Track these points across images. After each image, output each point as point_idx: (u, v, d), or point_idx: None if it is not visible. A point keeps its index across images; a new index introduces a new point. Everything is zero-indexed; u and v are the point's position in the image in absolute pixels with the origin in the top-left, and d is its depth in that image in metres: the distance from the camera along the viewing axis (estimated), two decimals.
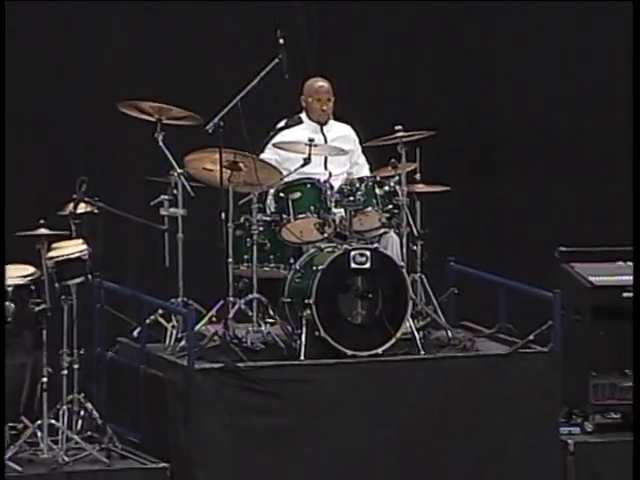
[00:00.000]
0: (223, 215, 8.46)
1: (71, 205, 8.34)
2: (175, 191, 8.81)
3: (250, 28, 11.18)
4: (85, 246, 8.13)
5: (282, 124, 9.45)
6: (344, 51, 11.52)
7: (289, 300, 8.54)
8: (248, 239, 8.66)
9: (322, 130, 9.37)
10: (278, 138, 9.30)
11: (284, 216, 8.90)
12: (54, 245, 8.09)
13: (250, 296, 8.55)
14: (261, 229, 8.74)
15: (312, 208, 8.88)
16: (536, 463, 8.36)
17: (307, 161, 8.88)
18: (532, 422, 8.31)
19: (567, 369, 8.60)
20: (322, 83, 9.45)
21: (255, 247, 8.63)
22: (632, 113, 11.68)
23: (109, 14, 10.91)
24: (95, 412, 7.92)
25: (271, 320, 8.69)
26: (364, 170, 9.50)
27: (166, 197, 8.82)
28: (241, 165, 8.59)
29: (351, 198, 8.84)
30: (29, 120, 10.58)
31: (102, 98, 10.29)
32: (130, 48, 11.02)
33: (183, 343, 8.36)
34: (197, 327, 8.38)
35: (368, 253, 8.54)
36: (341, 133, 9.46)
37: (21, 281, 7.95)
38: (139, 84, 10.59)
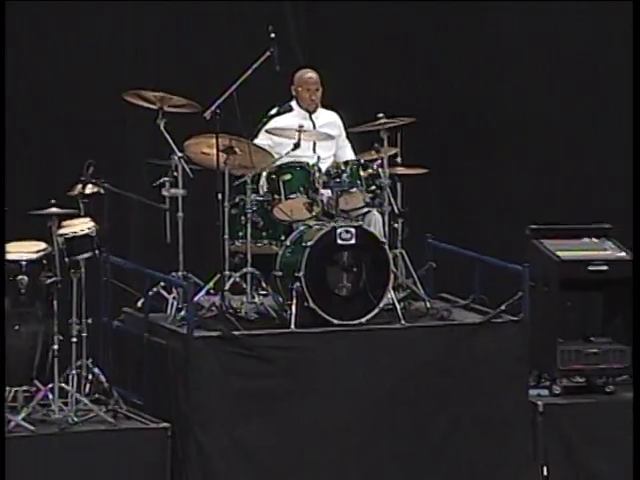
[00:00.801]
0: (220, 195, 8.46)
1: (79, 186, 8.35)
2: (175, 173, 8.79)
3: (244, 25, 11.06)
4: (92, 224, 8.13)
5: (274, 112, 9.40)
6: (331, 45, 11.37)
7: (280, 274, 8.53)
8: (243, 217, 8.66)
9: (311, 117, 9.34)
10: (270, 124, 9.28)
11: (276, 196, 8.88)
12: (64, 223, 8.09)
13: (244, 270, 8.56)
14: (255, 208, 8.73)
15: (301, 189, 8.86)
16: (508, 423, 8.41)
17: (297, 146, 8.87)
18: (503, 385, 8.35)
19: (536, 337, 8.62)
20: (311, 74, 9.46)
21: (249, 225, 8.63)
22: (632, 113, 11.68)
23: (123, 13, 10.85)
24: (102, 376, 7.94)
25: (264, 292, 8.69)
26: (349, 153, 9.47)
27: (167, 179, 8.81)
28: (236, 149, 8.58)
29: (337, 180, 8.82)
30: (41, 109, 10.47)
31: (108, 88, 10.15)
32: (135, 41, 10.89)
33: (183, 313, 8.37)
34: (196, 298, 8.39)
35: (353, 230, 8.53)
36: (328, 120, 9.46)
37: (34, 256, 7.91)
38: (142, 76, 10.46)
